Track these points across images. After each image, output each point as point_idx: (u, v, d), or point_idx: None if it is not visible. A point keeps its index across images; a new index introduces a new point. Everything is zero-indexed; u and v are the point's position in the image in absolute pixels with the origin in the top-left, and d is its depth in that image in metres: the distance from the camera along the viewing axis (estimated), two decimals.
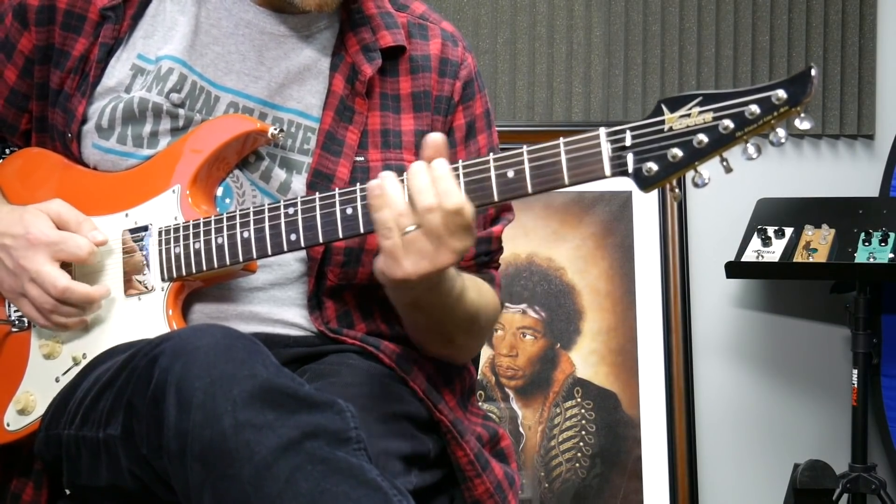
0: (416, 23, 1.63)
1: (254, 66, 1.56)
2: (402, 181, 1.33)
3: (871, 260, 2.61)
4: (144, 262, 1.51)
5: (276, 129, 1.51)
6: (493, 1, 2.88)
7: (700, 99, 1.24)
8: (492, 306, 1.60)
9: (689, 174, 1.27)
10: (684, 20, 2.91)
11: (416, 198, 1.30)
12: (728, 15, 2.92)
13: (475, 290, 1.54)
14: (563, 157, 1.29)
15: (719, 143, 1.23)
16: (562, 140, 1.29)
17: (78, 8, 1.58)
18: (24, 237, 1.50)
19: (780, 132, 1.22)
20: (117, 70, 1.58)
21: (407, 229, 1.30)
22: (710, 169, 1.26)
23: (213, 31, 1.57)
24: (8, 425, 1.54)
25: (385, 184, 1.33)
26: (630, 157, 1.26)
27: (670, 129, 1.24)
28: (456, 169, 1.33)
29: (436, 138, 1.34)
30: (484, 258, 1.62)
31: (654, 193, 2.85)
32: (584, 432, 2.85)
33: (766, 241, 2.71)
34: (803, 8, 2.93)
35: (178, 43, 1.56)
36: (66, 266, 1.52)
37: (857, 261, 2.63)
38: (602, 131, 1.28)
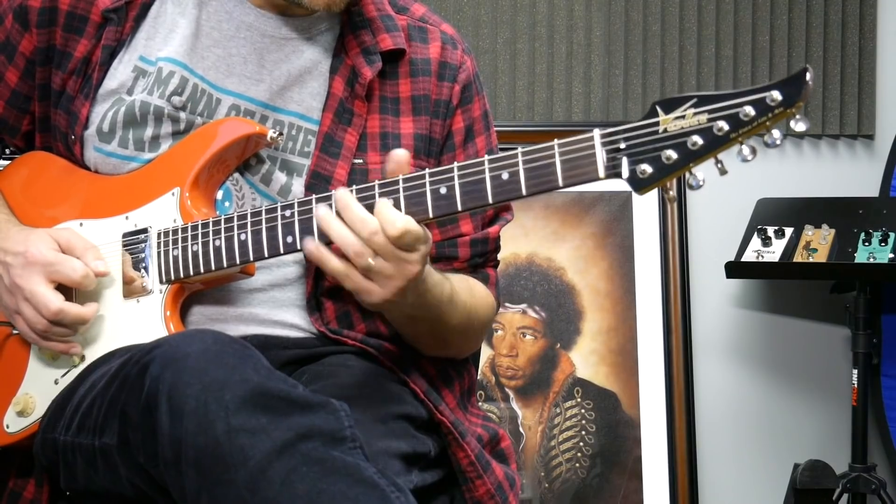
0: (415, 25, 1.62)
1: (255, 68, 1.56)
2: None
3: (871, 260, 2.61)
4: (143, 265, 1.51)
5: (275, 133, 1.51)
6: (493, 1, 2.88)
7: (695, 100, 1.23)
8: (485, 306, 1.60)
9: (684, 176, 1.27)
10: (684, 20, 2.91)
11: (357, 228, 1.32)
12: (728, 15, 2.91)
13: (467, 291, 1.55)
14: (558, 160, 1.28)
15: (714, 144, 1.22)
16: (556, 142, 1.29)
17: (80, 9, 1.57)
18: (22, 255, 1.50)
19: (776, 133, 1.21)
20: (119, 72, 1.57)
21: (368, 261, 1.32)
22: (704, 171, 1.26)
23: (214, 34, 1.57)
24: (7, 427, 1.54)
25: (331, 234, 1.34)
26: (624, 159, 1.25)
27: (664, 130, 1.24)
28: (451, 171, 1.33)
29: (401, 154, 1.36)
30: (478, 259, 1.62)
31: (654, 194, 2.86)
32: (584, 432, 2.85)
33: (766, 241, 2.71)
34: (803, 8, 2.92)
35: (179, 45, 1.56)
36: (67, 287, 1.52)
37: (857, 261, 2.63)
38: (596, 133, 1.27)
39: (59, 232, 1.53)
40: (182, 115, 1.54)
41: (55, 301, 1.48)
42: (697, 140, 1.22)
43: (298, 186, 1.54)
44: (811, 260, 2.66)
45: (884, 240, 2.63)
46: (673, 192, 1.28)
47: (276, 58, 1.56)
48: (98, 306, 1.52)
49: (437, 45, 1.61)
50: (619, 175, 1.26)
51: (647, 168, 1.24)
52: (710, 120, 1.22)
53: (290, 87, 1.56)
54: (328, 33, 1.59)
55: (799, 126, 1.21)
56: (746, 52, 2.92)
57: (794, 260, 2.67)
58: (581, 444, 2.85)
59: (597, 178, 1.28)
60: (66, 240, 1.52)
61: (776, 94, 1.20)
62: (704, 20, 2.91)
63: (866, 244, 2.64)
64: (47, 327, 1.49)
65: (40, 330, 1.50)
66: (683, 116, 1.23)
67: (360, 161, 1.55)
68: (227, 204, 1.54)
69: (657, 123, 1.24)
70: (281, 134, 1.53)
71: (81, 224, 1.57)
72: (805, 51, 2.92)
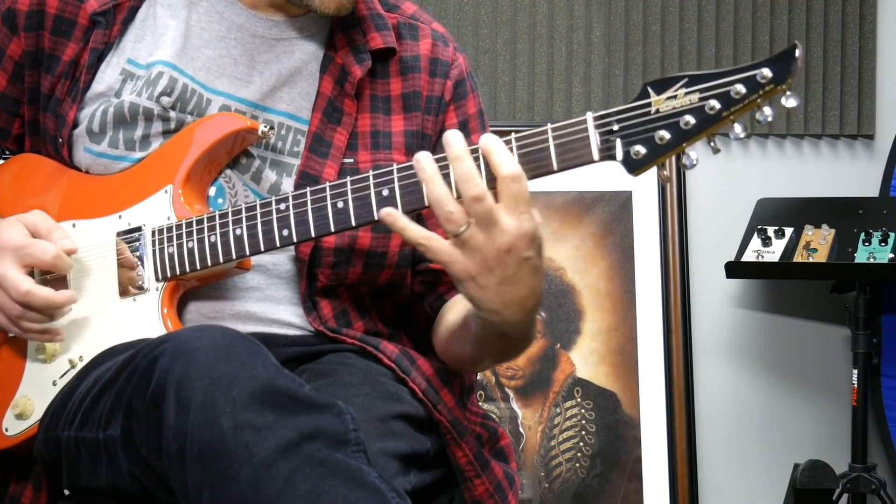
0: (406, 23, 1.62)
1: (246, 70, 1.56)
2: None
3: (871, 260, 2.61)
4: (139, 263, 1.51)
5: (265, 127, 1.51)
6: (493, 1, 2.88)
7: (686, 80, 1.23)
8: None
9: (679, 156, 1.27)
10: (684, 20, 2.91)
11: (462, 187, 1.27)
12: (728, 15, 2.92)
13: None
14: (552, 144, 1.28)
15: (706, 123, 1.23)
16: (549, 126, 1.29)
17: (68, 13, 1.57)
18: None
19: (767, 111, 1.22)
20: (107, 75, 1.57)
21: (460, 230, 1.28)
22: (702, 165, 1.26)
23: (204, 35, 1.57)
24: (7, 430, 1.54)
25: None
26: (618, 141, 1.26)
27: (657, 111, 1.24)
28: (443, 159, 1.31)
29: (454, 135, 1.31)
30: None
31: (654, 193, 2.86)
32: (584, 432, 2.85)
33: (766, 241, 2.71)
34: (803, 8, 2.92)
35: (169, 47, 1.56)
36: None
37: (857, 261, 2.63)
38: (589, 115, 1.27)
39: (26, 216, 1.54)
40: (172, 114, 1.54)
41: (24, 283, 1.47)
42: (690, 119, 1.23)
43: (288, 185, 1.54)
44: (811, 260, 2.66)
45: (884, 240, 2.63)
46: (667, 172, 1.28)
47: (267, 58, 1.56)
48: (74, 294, 1.51)
49: (427, 42, 1.61)
50: (613, 157, 1.27)
51: (640, 149, 1.25)
52: (701, 99, 1.23)
53: (280, 87, 1.56)
54: (319, 34, 1.59)
55: (790, 102, 1.21)
56: (746, 52, 2.92)
57: (794, 260, 2.67)
58: (581, 444, 2.85)
59: (591, 161, 1.28)
60: (33, 222, 1.52)
61: (766, 72, 1.21)
62: (704, 20, 2.91)
63: (866, 244, 2.64)
64: (21, 312, 1.49)
65: (15, 316, 1.49)
66: (675, 96, 1.24)
67: (351, 160, 1.55)
68: (220, 201, 1.54)
69: (649, 104, 1.25)
70: (272, 128, 1.53)
71: (74, 225, 1.57)
72: (805, 51, 2.92)
